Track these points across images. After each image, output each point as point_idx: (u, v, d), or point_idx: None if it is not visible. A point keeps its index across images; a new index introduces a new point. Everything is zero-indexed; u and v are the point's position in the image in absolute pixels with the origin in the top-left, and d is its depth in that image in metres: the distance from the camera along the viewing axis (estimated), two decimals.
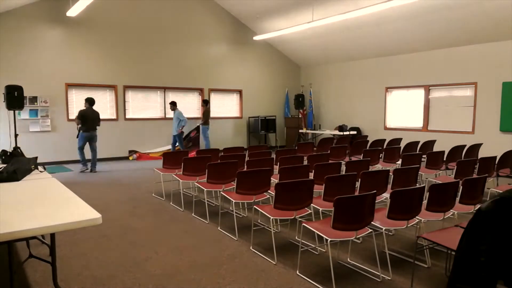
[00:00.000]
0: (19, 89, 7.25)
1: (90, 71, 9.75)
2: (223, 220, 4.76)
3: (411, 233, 4.17)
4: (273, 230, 4.02)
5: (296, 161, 5.45)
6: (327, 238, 3.03)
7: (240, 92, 12.33)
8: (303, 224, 3.31)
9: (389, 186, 4.38)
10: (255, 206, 3.98)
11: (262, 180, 4.26)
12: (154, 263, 3.54)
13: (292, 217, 3.74)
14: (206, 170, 4.74)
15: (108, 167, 9.14)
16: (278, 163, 5.38)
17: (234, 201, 4.37)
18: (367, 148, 7.27)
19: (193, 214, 5.13)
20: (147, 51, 10.50)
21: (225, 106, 12.09)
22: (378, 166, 6.37)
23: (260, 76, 12.71)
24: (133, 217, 5.04)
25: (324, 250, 3.81)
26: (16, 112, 8.29)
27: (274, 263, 3.52)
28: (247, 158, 5.65)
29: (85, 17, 9.45)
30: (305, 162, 5.52)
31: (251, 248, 3.90)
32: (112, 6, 9.86)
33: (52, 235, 2.69)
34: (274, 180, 4.41)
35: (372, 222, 3.23)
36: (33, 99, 9.10)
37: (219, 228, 4.55)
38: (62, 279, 3.11)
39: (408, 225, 3.39)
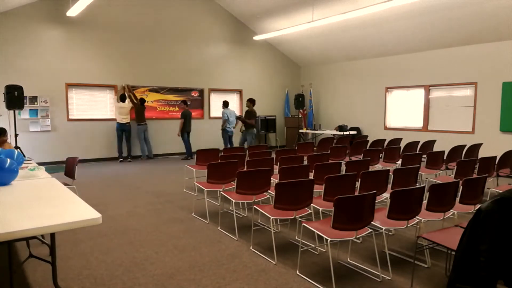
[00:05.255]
0: (19, 89, 7.28)
1: (90, 71, 9.75)
2: (223, 220, 4.76)
3: (411, 233, 4.17)
4: (273, 230, 4.03)
5: (296, 161, 5.45)
6: (327, 238, 3.03)
7: (240, 92, 12.34)
8: (303, 224, 3.31)
9: (389, 186, 4.38)
10: (255, 206, 3.98)
11: (262, 180, 4.26)
12: (154, 263, 3.54)
13: (292, 217, 3.74)
14: (206, 170, 4.74)
15: (108, 167, 9.14)
16: (278, 163, 5.38)
17: (234, 201, 4.37)
18: (367, 148, 7.27)
19: (193, 214, 5.13)
20: (147, 51, 10.50)
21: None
22: (378, 166, 6.37)
23: (260, 76, 12.71)
24: (133, 217, 5.04)
25: (324, 250, 3.81)
26: (16, 112, 8.32)
27: (274, 263, 3.52)
28: (247, 158, 5.65)
29: (85, 17, 9.45)
30: (305, 162, 5.52)
31: (251, 248, 3.90)
32: (112, 6, 9.86)
33: (52, 235, 2.69)
34: (274, 180, 4.41)
35: (372, 222, 3.23)
36: (33, 99, 9.10)
37: (219, 228, 4.55)
38: (62, 279, 3.11)
39: (408, 225, 3.39)
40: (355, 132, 10.74)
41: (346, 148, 7.17)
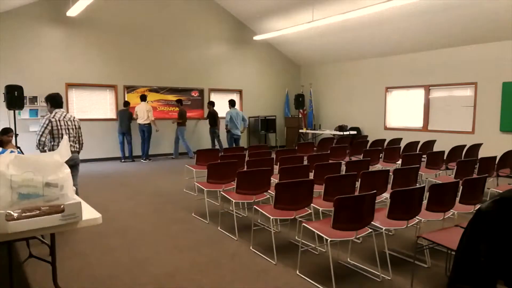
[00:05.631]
0: (19, 89, 7.25)
1: (90, 71, 9.75)
2: (223, 220, 4.75)
3: (411, 233, 4.17)
4: (273, 230, 4.03)
5: (296, 161, 5.44)
6: (327, 238, 3.03)
7: (240, 92, 12.33)
8: (303, 224, 3.31)
9: (389, 186, 4.38)
10: (255, 206, 3.97)
11: (262, 180, 4.26)
12: (154, 263, 3.54)
13: (292, 217, 3.74)
14: (206, 170, 4.74)
15: (107, 167, 9.14)
16: (278, 163, 5.38)
17: (234, 201, 4.37)
18: (367, 148, 7.27)
19: (193, 214, 5.13)
20: (147, 51, 10.50)
21: (225, 106, 12.02)
22: (378, 166, 6.37)
23: (260, 76, 12.71)
24: (133, 217, 5.03)
25: (324, 250, 3.81)
26: (16, 112, 8.32)
27: (274, 263, 3.52)
28: (247, 158, 5.65)
29: (85, 17, 9.44)
30: (305, 162, 5.52)
31: (251, 248, 3.90)
32: (112, 6, 9.85)
33: (52, 235, 2.69)
34: (274, 180, 4.41)
35: (372, 222, 3.24)
36: (33, 99, 9.11)
37: (219, 228, 4.55)
38: (62, 279, 3.10)
39: (408, 225, 3.39)
40: (355, 132, 10.73)
41: (346, 148, 7.17)
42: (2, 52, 8.65)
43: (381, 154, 6.74)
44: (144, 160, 10.08)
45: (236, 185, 4.15)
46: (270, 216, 3.62)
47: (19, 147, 7.37)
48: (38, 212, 2.20)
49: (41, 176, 2.52)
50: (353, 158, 7.13)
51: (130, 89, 10.31)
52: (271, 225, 3.75)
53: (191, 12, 11.09)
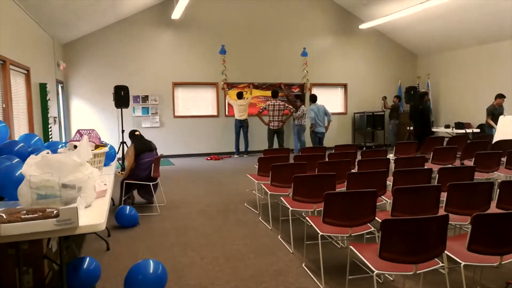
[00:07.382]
0: (125, 88, 7.91)
1: (193, 70, 10.20)
2: (285, 228, 4.29)
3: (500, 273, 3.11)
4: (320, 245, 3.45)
5: (375, 165, 4.59)
6: (373, 269, 2.37)
7: (345, 86, 11.50)
8: (351, 247, 2.68)
9: (493, 204, 3.34)
10: (306, 217, 3.44)
11: (320, 188, 3.68)
12: (194, 270, 3.32)
13: (347, 235, 3.11)
14: (270, 172, 4.36)
15: (205, 162, 9.43)
16: (356, 166, 4.68)
17: (291, 208, 3.88)
18: (486, 150, 5.88)
19: (260, 219, 4.81)
20: (247, 47, 10.52)
21: (328, 102, 11.34)
22: (496, 175, 5.08)
23: (367, 68, 11.64)
24: (201, 217, 4.94)
25: (381, 281, 3.08)
26: (131, 109, 9.32)
27: (322, 287, 2.97)
28: (328, 158, 5.07)
29: (188, 18, 9.88)
30: (392, 166, 4.69)
31: (303, 265, 3.40)
32: (212, 5, 10.11)
33: (60, 238, 2.65)
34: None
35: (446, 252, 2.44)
36: (145, 98, 9.95)
37: (279, 236, 4.14)
38: (102, 278, 3.12)
39: (503, 262, 2.47)
40: (478, 130, 8.97)
41: (456, 150, 5.93)
42: (120, 56, 9.63)
43: (503, 159, 5.36)
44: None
45: (293, 191, 3.69)
46: (318, 231, 3.07)
47: (124, 142, 8.07)
48: (32, 216, 2.15)
49: (58, 177, 2.50)
50: (466, 163, 5.89)
51: (230, 86, 10.48)
52: (319, 240, 3.15)
53: (291, 5, 10.72)
